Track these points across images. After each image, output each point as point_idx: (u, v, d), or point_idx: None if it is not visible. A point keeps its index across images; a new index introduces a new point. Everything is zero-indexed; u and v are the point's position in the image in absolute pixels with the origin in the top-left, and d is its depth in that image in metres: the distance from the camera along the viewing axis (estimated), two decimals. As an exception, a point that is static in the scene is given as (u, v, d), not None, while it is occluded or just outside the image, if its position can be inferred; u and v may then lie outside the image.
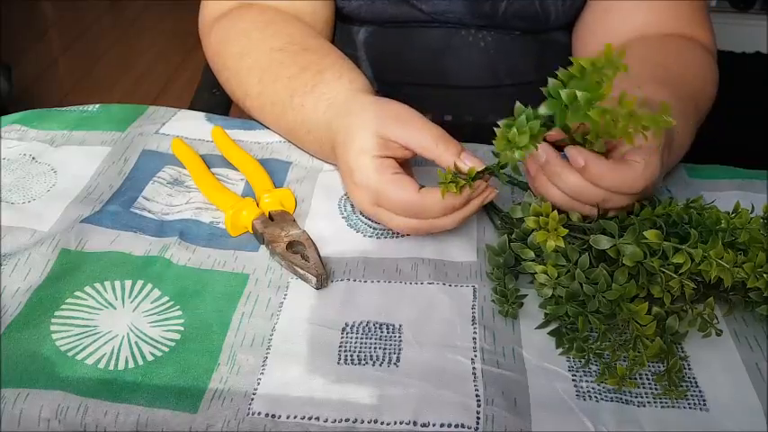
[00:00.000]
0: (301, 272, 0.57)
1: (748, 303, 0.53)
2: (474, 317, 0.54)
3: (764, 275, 0.50)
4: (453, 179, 0.55)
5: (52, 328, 0.53)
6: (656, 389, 0.50)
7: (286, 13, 0.78)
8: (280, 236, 0.60)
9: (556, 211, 0.52)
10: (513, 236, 0.57)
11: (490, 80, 0.86)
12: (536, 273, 0.53)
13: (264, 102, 0.72)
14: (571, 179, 0.54)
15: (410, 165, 0.64)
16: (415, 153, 0.59)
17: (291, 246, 0.59)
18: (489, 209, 0.64)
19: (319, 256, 0.58)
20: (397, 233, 0.62)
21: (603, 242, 0.52)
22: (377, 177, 0.58)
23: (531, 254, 0.55)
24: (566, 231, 0.52)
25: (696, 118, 0.69)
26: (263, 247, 0.61)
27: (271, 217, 0.62)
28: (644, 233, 0.50)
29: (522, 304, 0.55)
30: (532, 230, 0.53)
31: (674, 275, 0.50)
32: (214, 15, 0.81)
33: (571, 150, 0.54)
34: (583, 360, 0.51)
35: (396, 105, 0.61)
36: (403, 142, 0.59)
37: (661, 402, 0.49)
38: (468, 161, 0.57)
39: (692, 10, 0.78)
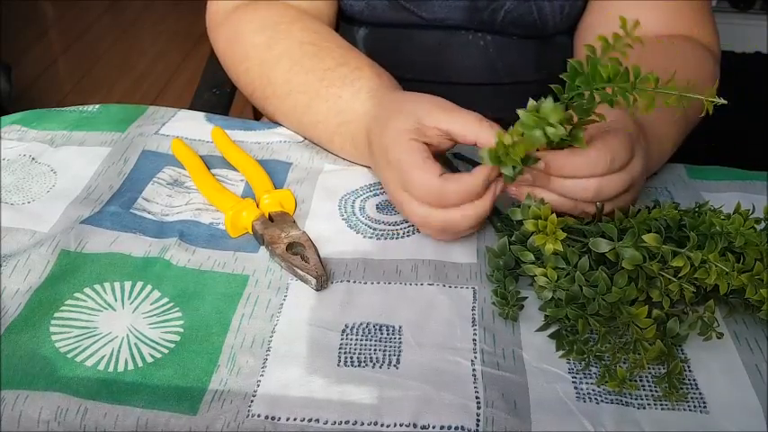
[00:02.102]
0: (301, 273, 0.57)
1: (748, 306, 0.53)
2: (474, 318, 0.54)
3: (761, 291, 0.49)
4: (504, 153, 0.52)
5: (52, 329, 0.53)
6: (656, 391, 0.50)
7: (304, 12, 0.78)
8: (279, 237, 0.60)
9: (554, 214, 0.52)
10: (513, 238, 0.57)
11: (489, 78, 0.86)
12: (536, 275, 0.53)
13: (291, 90, 0.71)
14: (565, 181, 0.55)
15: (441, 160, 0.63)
16: (454, 141, 0.59)
17: (291, 247, 0.59)
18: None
19: (319, 257, 0.58)
20: (398, 234, 0.62)
21: (603, 245, 0.51)
22: (407, 158, 0.57)
23: (531, 256, 0.54)
24: (564, 235, 0.52)
25: (685, 119, 0.68)
26: (263, 249, 0.61)
27: (270, 218, 0.62)
28: (643, 237, 0.50)
29: (522, 306, 0.55)
30: (532, 233, 0.53)
31: (674, 279, 0.50)
32: (226, 9, 0.80)
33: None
34: (583, 363, 0.51)
35: (436, 97, 0.62)
36: (445, 127, 0.58)
37: (661, 404, 0.49)
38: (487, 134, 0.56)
39: (695, 10, 0.78)
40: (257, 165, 0.68)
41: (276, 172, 0.69)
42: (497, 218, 0.62)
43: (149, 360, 0.51)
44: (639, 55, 0.72)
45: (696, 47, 0.76)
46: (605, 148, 0.54)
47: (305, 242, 0.60)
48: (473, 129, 0.57)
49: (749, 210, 0.55)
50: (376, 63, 0.72)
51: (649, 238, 0.50)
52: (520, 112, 0.49)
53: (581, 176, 0.54)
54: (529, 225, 0.53)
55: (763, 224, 0.54)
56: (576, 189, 0.55)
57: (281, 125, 0.76)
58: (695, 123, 0.71)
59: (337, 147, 0.70)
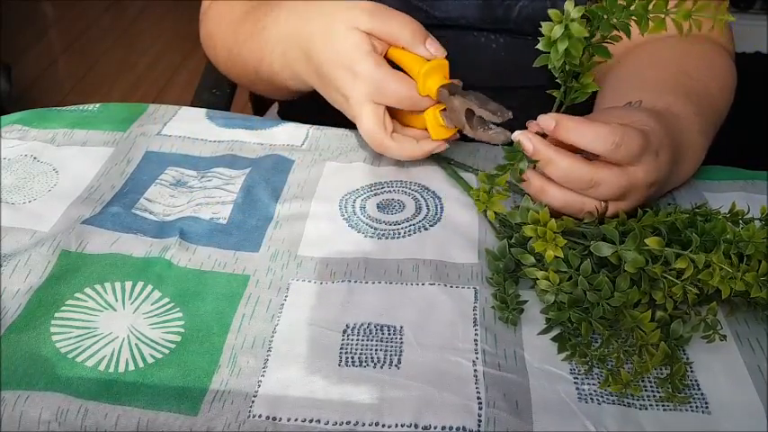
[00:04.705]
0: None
1: (750, 304, 0.53)
2: (475, 318, 0.54)
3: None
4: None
5: (52, 329, 0.53)
6: (658, 391, 0.49)
7: None
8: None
9: (553, 220, 0.52)
10: (513, 240, 0.57)
11: (500, 82, 0.86)
12: (537, 279, 0.53)
13: (239, 44, 0.75)
14: (563, 163, 0.54)
15: None
16: (390, 44, 0.64)
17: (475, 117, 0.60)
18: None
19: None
20: (399, 234, 0.62)
21: (604, 249, 0.51)
22: (379, 71, 0.62)
23: (532, 259, 0.54)
24: (564, 241, 0.51)
25: (713, 135, 0.68)
26: (263, 248, 0.60)
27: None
28: (645, 240, 0.50)
29: (522, 310, 0.54)
30: (531, 237, 0.53)
31: (677, 281, 0.50)
32: (209, 3, 0.84)
33: (540, 117, 0.55)
34: (586, 366, 0.51)
35: (362, 2, 0.65)
36: (386, 35, 0.63)
37: (663, 405, 0.49)
38: (432, 46, 0.63)
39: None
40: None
41: (277, 171, 0.69)
42: (496, 220, 0.62)
43: (150, 360, 0.51)
44: (667, 58, 0.71)
45: (720, 52, 0.75)
46: (617, 131, 0.53)
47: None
48: (405, 38, 0.63)
49: (744, 210, 0.55)
50: None
51: (652, 242, 0.50)
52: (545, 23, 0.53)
53: (585, 145, 0.54)
54: (528, 230, 0.52)
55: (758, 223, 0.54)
56: (574, 175, 0.54)
57: (281, 122, 0.76)
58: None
59: (287, 76, 0.72)
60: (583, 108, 0.60)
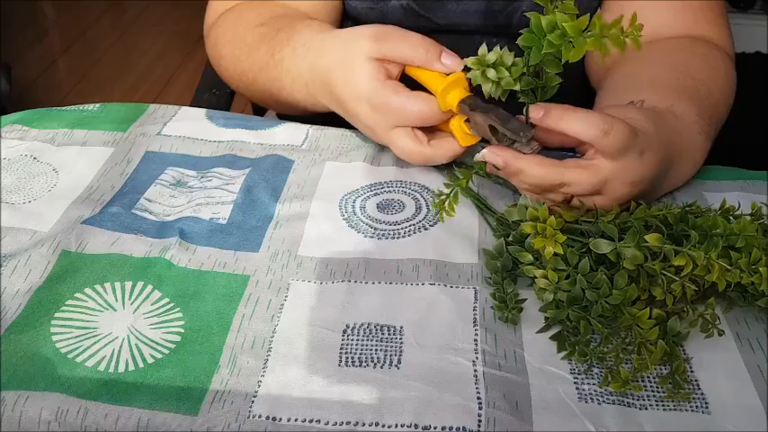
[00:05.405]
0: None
1: (746, 298, 0.53)
2: (475, 319, 0.54)
3: (760, 270, 0.49)
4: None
5: (52, 329, 0.53)
6: (658, 391, 0.49)
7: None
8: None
9: (553, 217, 0.52)
10: (510, 238, 0.57)
11: None
12: (536, 277, 0.53)
13: (255, 71, 0.76)
14: (533, 171, 0.55)
15: None
16: (404, 65, 0.64)
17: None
18: (484, 210, 0.64)
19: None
20: (399, 234, 0.62)
21: (603, 246, 0.51)
22: (395, 97, 0.62)
23: (530, 257, 0.54)
24: (564, 237, 0.51)
25: (714, 137, 0.68)
26: (263, 248, 0.60)
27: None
28: (645, 237, 0.50)
29: (521, 309, 0.54)
30: (529, 234, 0.53)
31: (675, 278, 0.50)
32: (218, 13, 0.83)
33: (531, 108, 0.55)
34: (585, 365, 0.51)
35: (370, 27, 0.65)
36: (400, 59, 0.63)
37: (663, 405, 0.49)
38: (448, 60, 0.62)
39: (710, 11, 0.77)
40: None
41: (277, 171, 0.69)
42: (493, 218, 0.62)
43: (150, 360, 0.51)
44: (671, 60, 0.71)
45: (722, 55, 0.75)
46: (608, 119, 0.53)
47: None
48: (419, 57, 0.63)
49: (734, 206, 0.55)
50: (311, 16, 0.77)
51: (651, 238, 0.50)
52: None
53: (574, 132, 0.54)
54: (527, 227, 0.52)
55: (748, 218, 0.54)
56: (543, 181, 0.55)
57: (281, 122, 0.76)
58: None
59: (310, 104, 0.73)
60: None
